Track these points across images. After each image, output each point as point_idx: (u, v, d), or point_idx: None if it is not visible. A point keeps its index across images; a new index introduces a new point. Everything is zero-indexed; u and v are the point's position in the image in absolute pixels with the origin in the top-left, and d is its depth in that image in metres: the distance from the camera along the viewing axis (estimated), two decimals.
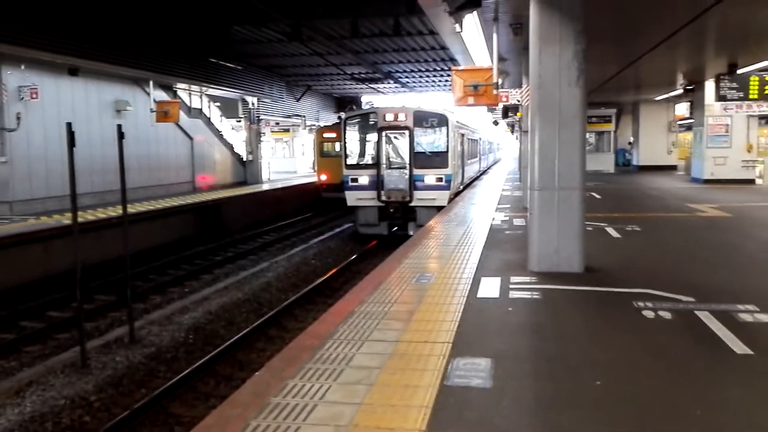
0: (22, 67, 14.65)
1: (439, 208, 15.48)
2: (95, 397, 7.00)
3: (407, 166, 16.44)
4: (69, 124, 7.62)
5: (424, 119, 16.53)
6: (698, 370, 4.21)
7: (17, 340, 9.20)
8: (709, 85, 19.24)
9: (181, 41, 18.66)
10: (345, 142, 17.10)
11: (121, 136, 8.49)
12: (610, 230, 10.43)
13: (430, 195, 16.41)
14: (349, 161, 16.96)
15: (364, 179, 16.69)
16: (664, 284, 6.45)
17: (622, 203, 15.15)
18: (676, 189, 19.01)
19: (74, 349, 8.23)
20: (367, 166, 16.74)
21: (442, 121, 16.55)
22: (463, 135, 20.39)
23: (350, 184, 16.83)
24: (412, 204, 16.48)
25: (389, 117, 16.53)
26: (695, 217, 12.39)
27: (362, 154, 17.01)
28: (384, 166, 16.54)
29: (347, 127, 17.08)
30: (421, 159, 16.45)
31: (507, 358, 4.37)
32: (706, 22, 10.89)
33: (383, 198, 16.56)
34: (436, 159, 16.48)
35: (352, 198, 16.91)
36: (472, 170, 24.93)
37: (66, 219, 13.06)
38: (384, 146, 16.56)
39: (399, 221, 16.86)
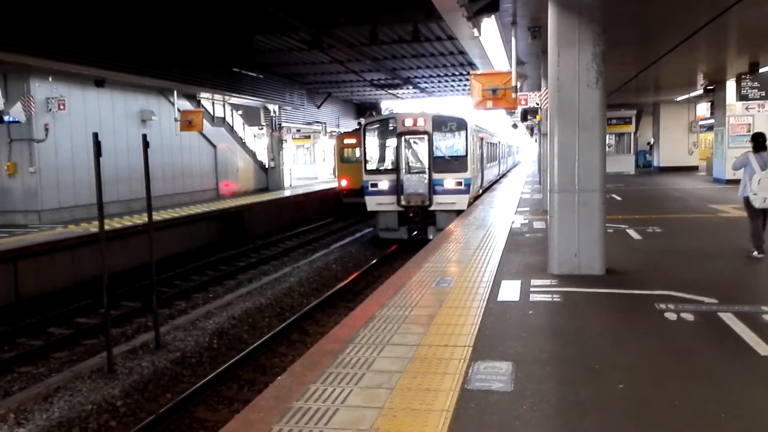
0: (50, 79, 14.96)
1: (459, 212, 15.49)
2: (121, 402, 7.11)
3: (426, 170, 16.46)
4: (95, 134, 7.77)
5: (442, 124, 16.56)
6: (722, 372, 4.18)
7: (46, 346, 9.39)
8: (731, 85, 19.02)
9: (205, 51, 18.96)
10: (365, 148, 17.20)
11: (146, 145, 8.64)
12: (631, 232, 10.36)
13: (449, 199, 16.41)
14: (369, 167, 17.04)
15: (383, 184, 16.75)
16: (686, 286, 6.41)
17: (643, 205, 15.01)
18: (698, 190, 18.78)
19: (101, 354, 8.37)
20: (386, 171, 16.81)
21: (460, 125, 16.56)
22: (482, 139, 20.36)
23: (370, 189, 16.90)
24: (432, 208, 16.49)
25: (408, 122, 16.58)
26: (717, 218, 12.25)
27: (382, 160, 17.08)
28: (403, 171, 16.59)
29: (367, 133, 17.17)
30: (440, 163, 16.46)
31: (528, 362, 4.38)
32: (727, 22, 10.78)
33: (403, 202, 16.60)
34: (456, 163, 16.48)
35: (372, 203, 16.98)
36: (491, 174, 24.87)
37: (93, 227, 13.31)
38: (403, 151, 16.60)
39: (419, 225, 16.90)
